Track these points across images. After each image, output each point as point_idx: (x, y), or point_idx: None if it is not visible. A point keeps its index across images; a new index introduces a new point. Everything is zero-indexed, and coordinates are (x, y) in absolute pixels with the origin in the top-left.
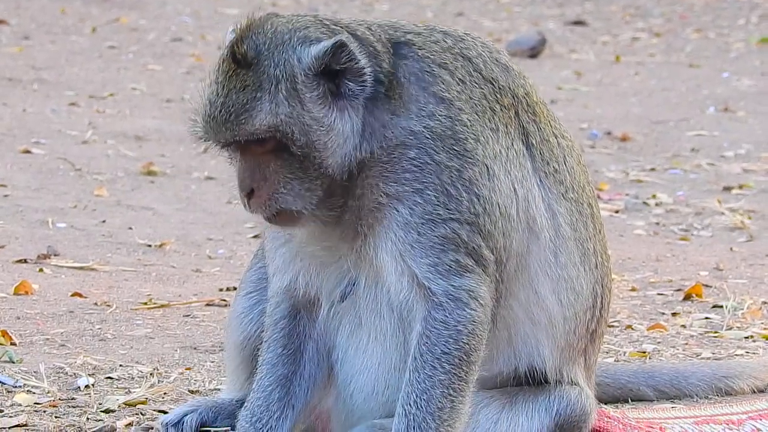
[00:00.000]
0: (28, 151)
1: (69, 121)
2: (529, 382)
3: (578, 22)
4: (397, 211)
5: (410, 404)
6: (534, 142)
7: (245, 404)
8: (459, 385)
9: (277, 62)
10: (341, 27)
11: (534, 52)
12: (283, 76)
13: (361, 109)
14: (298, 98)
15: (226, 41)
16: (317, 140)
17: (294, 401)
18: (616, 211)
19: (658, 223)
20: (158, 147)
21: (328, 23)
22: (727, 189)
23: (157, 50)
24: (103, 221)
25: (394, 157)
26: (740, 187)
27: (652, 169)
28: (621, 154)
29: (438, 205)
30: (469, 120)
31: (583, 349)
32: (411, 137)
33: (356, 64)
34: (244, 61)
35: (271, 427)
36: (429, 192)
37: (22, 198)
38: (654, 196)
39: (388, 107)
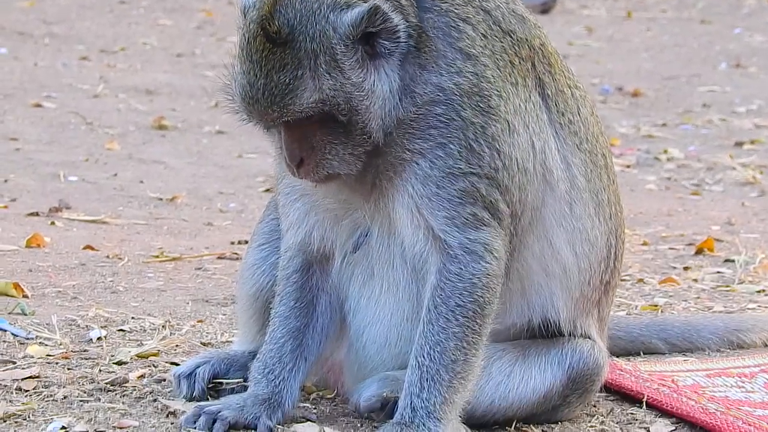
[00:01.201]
0: (39, 105)
1: (80, 75)
2: (543, 335)
3: None
4: (418, 164)
5: (424, 356)
6: (549, 93)
7: (257, 356)
8: (472, 337)
9: (312, 35)
10: None
11: (545, 8)
12: (321, 49)
13: (397, 65)
14: (338, 68)
15: (243, 3)
16: (360, 105)
17: (306, 353)
18: (628, 166)
19: (669, 178)
20: (169, 101)
21: None
22: (739, 144)
23: (168, 5)
24: (115, 175)
25: (421, 114)
26: (752, 142)
27: (664, 125)
28: (632, 110)
29: (460, 159)
30: (493, 76)
31: (597, 300)
32: (440, 94)
33: (390, 23)
34: (279, 39)
35: (283, 378)
36: (452, 146)
37: (33, 152)
38: (665, 151)
39: (417, 61)
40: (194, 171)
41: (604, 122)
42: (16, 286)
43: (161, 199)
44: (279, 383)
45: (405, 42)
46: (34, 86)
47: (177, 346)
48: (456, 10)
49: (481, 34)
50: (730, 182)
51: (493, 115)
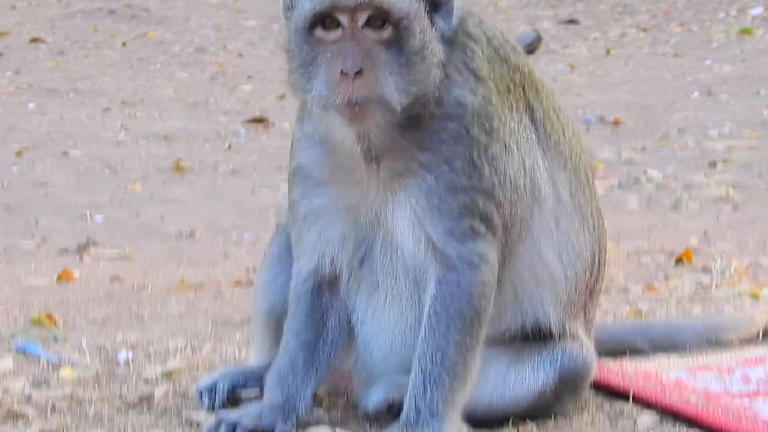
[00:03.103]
0: (66, 153)
1: (103, 125)
2: (535, 337)
3: (571, 21)
4: (424, 179)
5: (426, 361)
6: (538, 116)
7: (272, 367)
8: (470, 342)
9: None
10: None
11: (531, 49)
12: None
13: (437, 50)
14: (421, 7)
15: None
16: (427, 45)
17: (317, 364)
18: (611, 188)
19: (649, 197)
20: (186, 145)
21: None
22: (713, 164)
23: (183, 60)
24: (138, 213)
25: (435, 129)
26: (724, 162)
27: (643, 149)
28: (614, 137)
29: (463, 174)
30: (495, 99)
31: (584, 304)
32: (458, 108)
33: (452, 2)
34: None
35: (297, 386)
36: (457, 162)
37: (61, 195)
38: (645, 173)
39: (444, 68)
40: (211, 207)
41: (587, 150)
42: (49, 316)
43: (181, 234)
44: (293, 391)
45: (454, 30)
46: (61, 136)
47: (199, 364)
48: (469, 30)
49: (486, 58)
50: (706, 199)
51: (495, 135)
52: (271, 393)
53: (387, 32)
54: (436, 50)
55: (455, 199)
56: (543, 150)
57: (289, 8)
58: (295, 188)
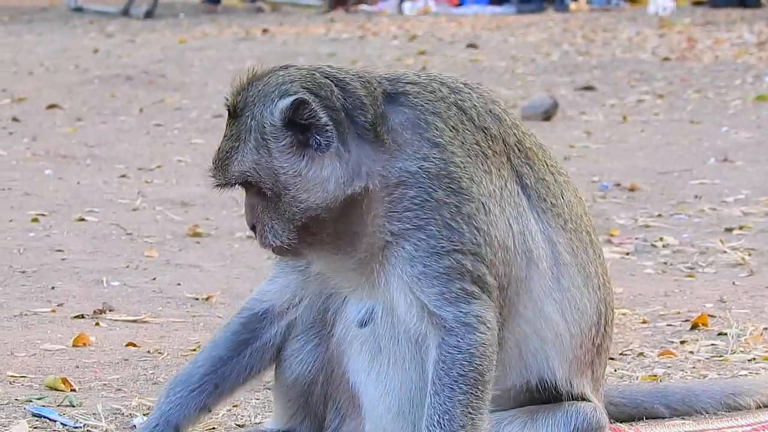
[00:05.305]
0: (82, 219)
1: (120, 191)
2: (541, 394)
3: (588, 88)
4: (403, 248)
5: (434, 425)
6: (529, 182)
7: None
8: (477, 403)
9: (254, 114)
10: (331, 80)
11: (547, 115)
12: (255, 126)
13: (338, 157)
14: (266, 147)
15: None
16: (286, 184)
17: (218, 381)
18: (627, 254)
19: (665, 263)
20: (203, 211)
21: (318, 76)
22: (729, 230)
23: (200, 126)
24: (154, 279)
25: (395, 197)
26: (740, 228)
27: (659, 215)
28: (630, 203)
29: (441, 238)
30: (462, 162)
31: (590, 362)
32: (408, 177)
33: (318, 120)
34: (234, 113)
35: (182, 396)
36: (431, 227)
37: (78, 261)
38: (661, 239)
39: (383, 150)
40: (227, 273)
41: (603, 215)
42: (64, 380)
43: (197, 299)
44: (177, 401)
45: (335, 140)
46: (78, 202)
47: (213, 428)
48: (425, 105)
49: (451, 126)
50: (722, 264)
51: (466, 195)
52: (158, 401)
53: (252, 187)
54: (312, 175)
55: (439, 263)
56: (537, 213)
57: None
58: None
